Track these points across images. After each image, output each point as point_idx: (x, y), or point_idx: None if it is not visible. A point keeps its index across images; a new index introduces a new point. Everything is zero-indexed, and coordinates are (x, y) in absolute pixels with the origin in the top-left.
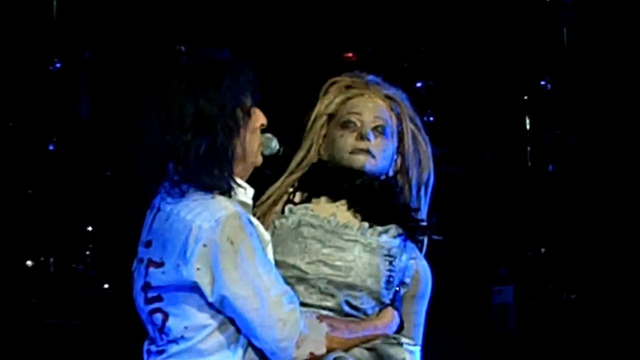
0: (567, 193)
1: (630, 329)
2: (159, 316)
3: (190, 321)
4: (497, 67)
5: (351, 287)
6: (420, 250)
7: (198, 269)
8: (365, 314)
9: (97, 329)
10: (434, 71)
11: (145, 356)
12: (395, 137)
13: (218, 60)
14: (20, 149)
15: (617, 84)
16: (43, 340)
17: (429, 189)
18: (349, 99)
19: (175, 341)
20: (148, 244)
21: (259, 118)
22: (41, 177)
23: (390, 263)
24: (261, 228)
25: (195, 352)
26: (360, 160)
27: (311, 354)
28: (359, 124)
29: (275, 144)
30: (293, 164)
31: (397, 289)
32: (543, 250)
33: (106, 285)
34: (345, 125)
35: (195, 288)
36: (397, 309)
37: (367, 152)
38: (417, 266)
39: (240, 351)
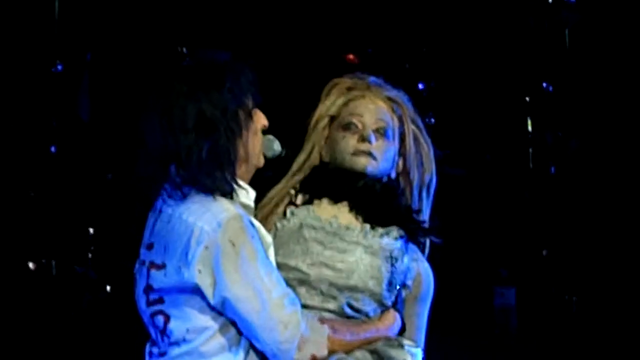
0: (568, 195)
1: (631, 331)
2: (160, 318)
3: (192, 323)
4: (498, 68)
5: (353, 289)
6: (422, 252)
7: (199, 271)
8: (366, 316)
9: (98, 331)
10: (435, 73)
11: (147, 358)
12: (396, 139)
13: (219, 62)
14: (22, 151)
15: (619, 85)
16: (44, 342)
17: (431, 191)
18: (350, 100)
19: (176, 343)
20: (150, 246)
21: (261, 119)
22: (42, 179)
23: (392, 265)
24: (263, 230)
25: (197, 355)
26: (362, 162)
27: (313, 356)
28: (360, 125)
29: (277, 146)
30: (295, 166)
31: (399, 289)
32: (545, 252)
33: (108, 288)
34: (347, 127)
35: (196, 290)
36: (398, 311)
37: (369, 154)
38: (418, 268)
39: (241, 353)
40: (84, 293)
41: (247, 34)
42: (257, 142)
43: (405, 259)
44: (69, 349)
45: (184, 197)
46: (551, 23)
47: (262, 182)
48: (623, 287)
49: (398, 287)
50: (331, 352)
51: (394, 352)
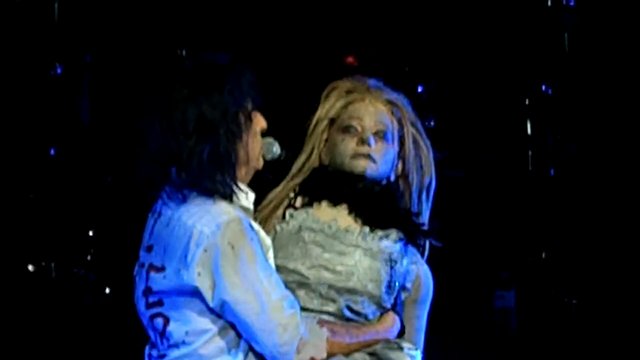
0: (568, 197)
1: (630, 333)
2: (160, 321)
3: (191, 326)
4: (498, 71)
5: (352, 291)
6: (422, 255)
7: (199, 273)
8: (366, 318)
9: (98, 333)
10: (435, 75)
11: None
12: (396, 141)
13: (219, 64)
14: (22, 153)
15: (618, 88)
16: (45, 344)
17: (431, 194)
18: (350, 103)
19: (176, 346)
20: (149, 249)
21: (260, 122)
22: (42, 181)
23: (391, 268)
24: (262, 233)
25: (196, 357)
26: (361, 165)
27: (312, 358)
28: (360, 128)
29: (276, 148)
30: (294, 169)
31: (398, 292)
32: (544, 254)
33: (107, 290)
34: (346, 129)
35: (196, 293)
36: (398, 313)
37: (368, 156)
38: (418, 271)
39: (240, 356)
40: (84, 295)
41: (247, 37)
42: (257, 144)
43: (405, 262)
44: (69, 351)
45: (184, 199)
46: (550, 26)
47: (262, 184)
48: (622, 289)
49: (397, 289)
50: (330, 355)
51: (393, 355)
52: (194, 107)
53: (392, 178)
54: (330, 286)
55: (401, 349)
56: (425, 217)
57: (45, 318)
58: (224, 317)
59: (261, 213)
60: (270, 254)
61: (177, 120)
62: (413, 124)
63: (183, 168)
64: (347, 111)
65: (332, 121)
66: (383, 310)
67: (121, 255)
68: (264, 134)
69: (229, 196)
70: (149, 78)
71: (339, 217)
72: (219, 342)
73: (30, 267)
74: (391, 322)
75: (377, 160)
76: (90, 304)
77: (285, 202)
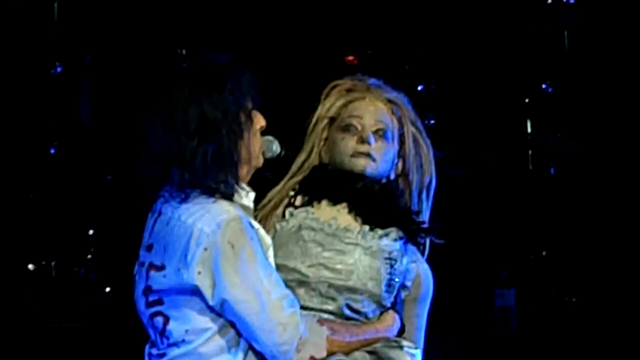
0: (568, 196)
1: (630, 332)
2: (159, 319)
3: (191, 324)
4: (498, 70)
5: (352, 290)
6: (422, 254)
7: (199, 272)
8: (366, 317)
9: (98, 332)
10: (435, 74)
11: (146, 359)
12: (396, 140)
13: (219, 64)
14: (22, 153)
15: (618, 87)
16: (45, 344)
17: (431, 193)
18: (350, 102)
19: (176, 344)
20: (149, 248)
21: (259, 120)
22: (42, 180)
23: (391, 266)
24: (262, 232)
25: (196, 356)
26: (361, 163)
27: (312, 357)
28: (359, 127)
29: (276, 147)
30: (294, 167)
31: (398, 290)
32: (544, 253)
33: (108, 289)
34: (346, 128)
35: (196, 291)
36: (398, 312)
37: (368, 155)
38: (418, 269)
39: (240, 355)
40: (84, 294)
41: (248, 36)
42: (257, 142)
43: (405, 260)
44: (69, 350)
45: (185, 198)
46: (551, 25)
47: (262, 183)
48: (622, 288)
49: (397, 288)
50: (330, 354)
51: (393, 353)
52: (195, 107)
53: (392, 177)
54: (330, 285)
55: (401, 347)
56: (425, 216)
57: (46, 317)
58: (224, 315)
59: (261, 212)
60: (270, 253)
61: (178, 120)
62: (413, 123)
63: (185, 168)
64: (347, 110)
65: (332, 120)
66: (383, 309)
67: (121, 255)
68: (264, 133)
69: (230, 195)
70: (149, 77)
71: (338, 215)
72: (219, 341)
73: (30, 266)
74: (391, 320)
75: (377, 159)
76: (91, 303)
77: (285, 201)
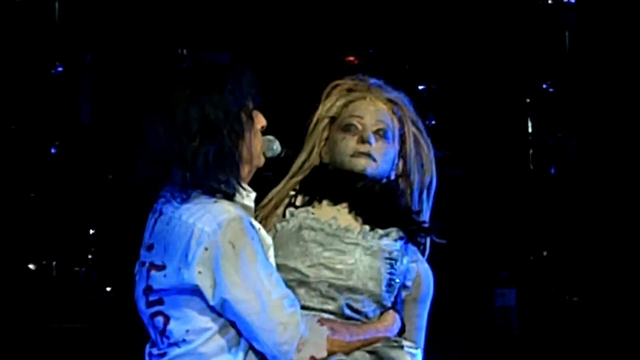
0: (569, 196)
1: (631, 332)
2: (160, 319)
3: (192, 324)
4: (499, 70)
5: (352, 290)
6: (423, 254)
7: (199, 272)
8: (366, 317)
9: (99, 332)
10: (435, 74)
11: (146, 359)
12: (396, 140)
13: (219, 64)
14: (22, 153)
15: (619, 86)
16: (45, 344)
17: (432, 193)
18: (350, 102)
19: (176, 344)
20: (150, 247)
21: (260, 120)
22: (43, 180)
23: (392, 266)
24: (263, 232)
25: (197, 356)
26: (361, 163)
27: (312, 357)
28: (360, 127)
29: (277, 147)
30: (295, 167)
31: (398, 290)
32: (545, 253)
33: (108, 289)
34: (347, 128)
35: (196, 291)
36: (398, 312)
37: (368, 155)
38: (418, 269)
39: (241, 354)
40: (85, 294)
41: (248, 36)
42: (258, 142)
43: (405, 260)
44: (70, 350)
45: (187, 199)
46: (551, 24)
47: (262, 183)
48: (623, 288)
49: (398, 288)
50: (330, 353)
51: (393, 353)
52: (196, 107)
53: (393, 177)
54: (331, 285)
55: (401, 347)
56: (425, 216)
57: (46, 317)
58: (225, 315)
59: (261, 212)
60: (271, 253)
61: (179, 121)
62: (414, 123)
63: (187, 169)
64: (348, 110)
65: (332, 120)
66: (383, 309)
67: (122, 255)
68: (264, 133)
69: (231, 195)
70: (150, 77)
71: (339, 215)
72: (220, 341)
73: (31, 266)
74: (391, 320)
75: (377, 159)
76: (91, 303)
77: (286, 201)
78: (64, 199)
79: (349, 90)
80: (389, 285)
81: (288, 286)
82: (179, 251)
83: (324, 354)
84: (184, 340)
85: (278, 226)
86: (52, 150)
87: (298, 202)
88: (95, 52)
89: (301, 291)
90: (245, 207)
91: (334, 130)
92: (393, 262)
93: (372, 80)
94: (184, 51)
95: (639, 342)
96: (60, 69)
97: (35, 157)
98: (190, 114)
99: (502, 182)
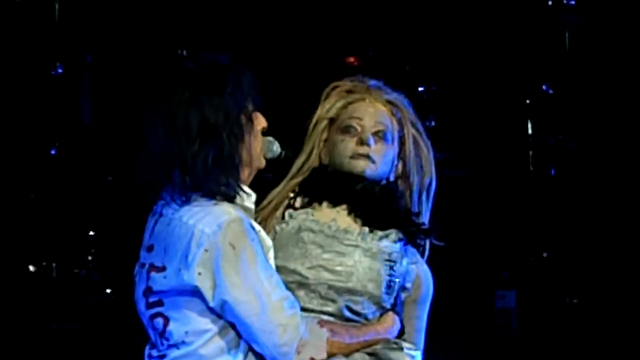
0: (569, 197)
1: (632, 333)
2: (159, 321)
3: (191, 326)
4: (499, 71)
5: (352, 292)
6: (422, 255)
7: (199, 273)
8: (366, 318)
9: (99, 333)
10: (435, 75)
11: None
12: (396, 142)
13: (219, 65)
14: (22, 154)
15: (619, 87)
16: (46, 345)
17: (431, 194)
18: (350, 103)
19: (176, 346)
20: (150, 249)
21: (261, 122)
22: (43, 181)
23: (391, 268)
24: (263, 233)
25: (196, 357)
26: (361, 165)
27: (312, 359)
28: (359, 128)
29: (276, 148)
30: (294, 169)
31: (398, 292)
32: (545, 254)
33: (108, 290)
34: (346, 130)
35: (196, 293)
36: (398, 313)
37: (367, 157)
38: (418, 271)
39: (240, 356)
40: (85, 295)
41: (249, 37)
42: (258, 143)
43: (404, 262)
44: (70, 351)
45: (187, 201)
46: (551, 26)
47: (262, 184)
48: (624, 289)
49: (397, 290)
50: (330, 355)
51: (393, 355)
52: (196, 110)
53: (392, 178)
54: (330, 286)
55: (401, 349)
56: (425, 218)
57: (46, 318)
58: (224, 317)
59: (261, 213)
60: (271, 255)
61: (179, 124)
62: (413, 124)
63: (187, 172)
64: (347, 111)
65: (331, 121)
66: (383, 311)
67: (122, 256)
68: (264, 134)
69: (231, 197)
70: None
71: (338, 217)
72: (219, 342)
73: (31, 268)
74: (391, 322)
75: (376, 161)
76: (91, 304)
77: (285, 203)
78: (64, 200)
79: (349, 92)
80: (389, 287)
81: (288, 288)
82: (179, 252)
83: (324, 355)
84: (183, 342)
85: (277, 228)
86: (52, 152)
87: (297, 204)
88: (95, 52)
89: (301, 293)
90: (245, 209)
91: (333, 131)
92: (392, 263)
93: (372, 82)
94: (184, 52)
95: (639, 344)
96: (60, 69)
97: (35, 158)
98: (190, 117)
99: (503, 184)
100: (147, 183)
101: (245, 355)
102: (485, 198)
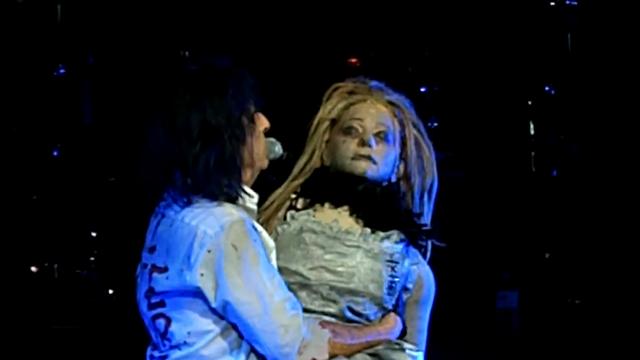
0: (571, 198)
1: (633, 334)
2: (161, 322)
3: (193, 327)
4: (501, 72)
5: (353, 293)
6: (424, 256)
7: (202, 274)
8: (367, 319)
9: (101, 334)
10: (438, 76)
11: None
12: (397, 143)
13: (220, 68)
14: (24, 155)
15: (621, 88)
16: (47, 346)
17: (433, 195)
18: (351, 104)
19: (177, 347)
20: (152, 250)
21: (263, 122)
22: (45, 182)
23: (393, 269)
24: (265, 234)
25: (198, 358)
26: (362, 166)
27: (313, 359)
28: (360, 130)
29: (278, 149)
30: (296, 170)
31: (399, 293)
32: (547, 255)
33: (110, 291)
34: (348, 131)
35: (198, 293)
36: (399, 314)
37: (369, 158)
38: (419, 271)
39: (242, 357)
40: (87, 296)
41: (250, 37)
42: (261, 144)
43: (406, 263)
44: (71, 352)
45: (188, 202)
46: (553, 27)
47: (265, 185)
48: (625, 290)
49: (399, 290)
50: (332, 356)
51: (395, 356)
52: (197, 113)
53: (394, 179)
54: (332, 287)
55: (403, 349)
56: (427, 219)
57: (48, 319)
58: (226, 318)
59: (263, 214)
60: (273, 256)
61: (180, 126)
62: (415, 125)
63: (188, 174)
64: (349, 112)
65: (333, 122)
66: (384, 311)
67: (124, 257)
68: (266, 134)
69: (233, 198)
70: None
71: (340, 218)
72: (221, 343)
73: (33, 268)
74: (393, 323)
75: (377, 162)
76: (93, 305)
77: (287, 204)
78: (65, 201)
79: (350, 93)
80: (390, 287)
81: (289, 289)
82: (182, 253)
83: (326, 356)
84: (185, 343)
85: (279, 229)
86: (54, 153)
87: (299, 205)
88: (97, 53)
89: (302, 294)
90: (248, 210)
91: (334, 132)
92: (394, 264)
93: (373, 83)
94: (186, 53)
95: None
96: (62, 70)
97: (37, 159)
98: (191, 119)
99: (504, 184)
100: (148, 184)
101: (247, 356)
102: (487, 199)
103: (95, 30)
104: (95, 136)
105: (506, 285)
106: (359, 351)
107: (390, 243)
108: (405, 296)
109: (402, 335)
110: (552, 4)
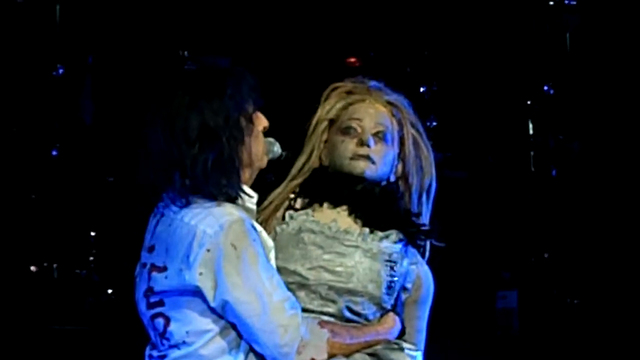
0: (570, 198)
1: (633, 334)
2: (160, 321)
3: (192, 326)
4: (500, 71)
5: (352, 292)
6: (423, 256)
7: (201, 273)
8: (366, 319)
9: (100, 334)
10: (437, 76)
11: None
12: (396, 143)
13: (219, 68)
14: (24, 154)
15: (620, 88)
16: (47, 346)
17: (431, 195)
18: (350, 104)
19: (176, 346)
20: (151, 249)
21: (262, 122)
22: (44, 182)
23: (392, 268)
24: (264, 234)
25: (197, 357)
26: (360, 166)
27: (312, 359)
28: (359, 129)
29: (277, 149)
30: (294, 170)
31: (398, 292)
32: (546, 255)
33: (110, 291)
34: (346, 131)
35: (197, 293)
36: (398, 314)
37: (367, 158)
38: (418, 271)
39: (241, 356)
40: (86, 296)
41: (249, 37)
42: (260, 144)
43: (405, 262)
44: (71, 352)
45: (188, 203)
46: (552, 26)
47: (263, 185)
48: (625, 290)
49: (398, 290)
50: (331, 356)
51: (394, 356)
52: (195, 114)
53: (392, 179)
54: (330, 287)
55: (402, 349)
56: (425, 219)
57: (47, 319)
58: (225, 317)
59: (262, 214)
60: (272, 255)
61: (179, 128)
62: (413, 125)
63: (187, 175)
64: (347, 112)
65: (332, 122)
66: (383, 311)
67: (123, 256)
68: (265, 134)
69: (233, 198)
70: (152, 79)
71: (339, 218)
72: (220, 343)
73: (32, 268)
74: (392, 322)
75: (376, 162)
76: (93, 305)
77: (286, 204)
78: (65, 200)
79: (349, 93)
80: (389, 287)
81: (288, 289)
82: (181, 253)
83: (324, 356)
84: (184, 342)
85: (278, 229)
86: (54, 152)
87: (298, 205)
88: (97, 53)
89: (301, 294)
90: (247, 210)
91: (333, 132)
92: (393, 264)
93: (372, 83)
94: (185, 53)
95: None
96: (61, 70)
97: (36, 159)
98: (190, 121)
99: (503, 184)
100: (147, 185)
101: (246, 356)
102: (486, 199)
103: (95, 30)
104: (95, 136)
105: (506, 285)
106: (357, 351)
107: (389, 243)
108: (404, 296)
109: (401, 335)
110: (551, 3)
